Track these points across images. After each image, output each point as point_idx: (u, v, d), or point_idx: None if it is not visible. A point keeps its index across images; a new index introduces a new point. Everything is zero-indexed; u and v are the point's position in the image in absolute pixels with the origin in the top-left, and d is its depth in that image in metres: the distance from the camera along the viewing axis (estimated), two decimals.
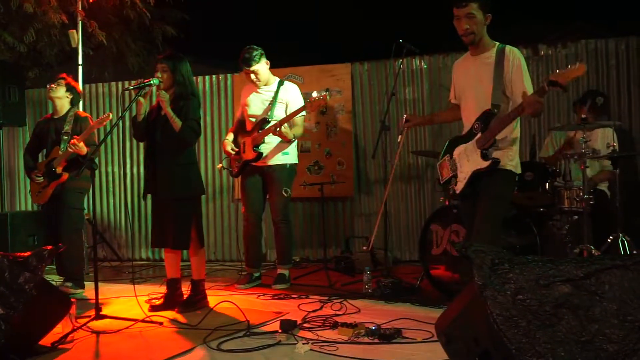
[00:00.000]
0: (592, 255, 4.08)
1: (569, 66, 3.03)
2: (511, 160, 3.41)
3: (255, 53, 4.87)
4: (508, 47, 3.41)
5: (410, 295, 4.38)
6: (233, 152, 5.02)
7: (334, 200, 6.47)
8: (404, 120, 3.89)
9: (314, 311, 3.99)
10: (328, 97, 4.71)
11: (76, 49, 6.35)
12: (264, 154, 4.90)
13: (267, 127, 4.85)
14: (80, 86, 5.31)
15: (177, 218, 4.06)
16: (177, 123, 4.02)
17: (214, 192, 6.87)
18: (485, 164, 3.33)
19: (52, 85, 4.95)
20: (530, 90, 3.30)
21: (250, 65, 4.88)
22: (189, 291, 4.25)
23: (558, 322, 2.00)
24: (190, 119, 4.07)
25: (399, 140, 4.08)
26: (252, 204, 5.05)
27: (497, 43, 3.46)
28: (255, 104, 5.03)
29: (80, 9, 6.59)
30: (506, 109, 3.35)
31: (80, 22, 6.51)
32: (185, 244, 4.13)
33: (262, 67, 4.93)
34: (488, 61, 3.42)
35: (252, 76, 4.93)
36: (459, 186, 3.48)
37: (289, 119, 4.81)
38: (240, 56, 4.92)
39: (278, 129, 4.74)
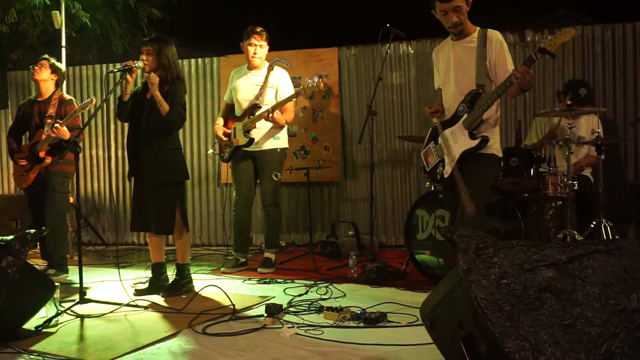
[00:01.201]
0: (575, 240, 4.13)
1: (557, 32, 3.03)
2: (494, 143, 3.44)
3: (266, 31, 4.93)
4: (489, 30, 3.43)
5: (395, 280, 4.41)
6: (225, 138, 5.00)
7: (320, 185, 6.47)
8: (430, 112, 3.72)
9: (299, 295, 4.00)
10: (322, 85, 4.71)
11: (59, 31, 6.26)
12: (256, 139, 4.89)
13: (258, 112, 4.84)
14: (63, 68, 5.23)
15: (161, 203, 4.04)
16: (164, 107, 3.98)
17: (200, 177, 6.84)
18: (475, 142, 3.35)
19: (37, 67, 4.88)
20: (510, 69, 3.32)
21: (262, 38, 4.91)
22: (174, 275, 4.24)
23: (541, 306, 2.02)
24: (176, 103, 4.04)
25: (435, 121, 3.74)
26: (244, 189, 5.05)
27: (478, 28, 3.47)
28: (245, 88, 5.01)
29: None
30: (490, 90, 3.36)
31: (63, 3, 6.40)
32: (169, 229, 4.11)
33: (266, 47, 4.99)
34: (470, 45, 3.43)
35: (257, 49, 4.92)
36: (448, 169, 3.48)
37: (282, 104, 4.80)
38: (251, 29, 4.91)
39: (271, 115, 4.73)
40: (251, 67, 5.02)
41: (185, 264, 4.21)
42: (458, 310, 2.17)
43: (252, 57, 4.95)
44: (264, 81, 4.95)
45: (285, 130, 5.06)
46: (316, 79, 4.67)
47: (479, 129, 3.38)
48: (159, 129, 4.03)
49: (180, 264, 4.21)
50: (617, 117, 5.71)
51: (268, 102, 4.90)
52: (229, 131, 5.01)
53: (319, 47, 6.57)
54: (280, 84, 4.97)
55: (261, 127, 4.91)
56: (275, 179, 4.96)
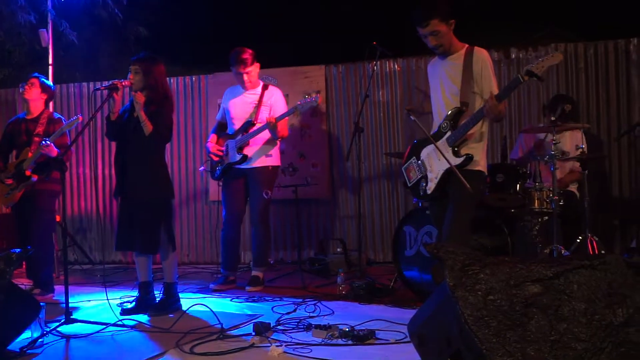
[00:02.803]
0: (561, 256, 4.15)
1: (546, 56, 3.09)
2: (480, 160, 3.47)
3: (250, 54, 4.91)
4: (476, 49, 3.49)
5: (383, 297, 4.40)
6: (220, 153, 5.01)
7: (308, 202, 6.47)
8: (405, 112, 3.82)
9: (287, 313, 3.98)
10: (320, 100, 4.74)
11: (47, 49, 6.25)
12: (249, 156, 4.90)
13: (252, 129, 4.86)
14: (53, 86, 5.22)
15: (146, 221, 4.02)
16: (147, 127, 3.98)
17: (188, 195, 6.82)
18: (459, 160, 3.38)
19: (27, 86, 4.86)
20: (496, 89, 3.39)
21: (247, 65, 4.90)
22: (161, 295, 4.21)
23: (528, 322, 2.03)
24: (160, 124, 4.04)
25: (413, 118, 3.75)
26: (234, 206, 5.04)
27: (467, 45, 3.52)
28: (240, 107, 5.03)
29: (50, 8, 6.49)
30: (475, 107, 3.41)
31: (51, 21, 6.41)
32: (153, 248, 4.08)
33: (255, 69, 4.98)
34: (457, 62, 3.49)
35: (246, 77, 4.93)
36: (431, 186, 3.51)
37: (284, 117, 4.82)
38: (235, 56, 4.92)
39: (274, 125, 4.76)
40: (246, 88, 5.04)
41: (172, 283, 4.19)
42: (446, 326, 2.18)
43: (246, 84, 4.98)
44: (258, 99, 4.97)
45: (277, 147, 5.07)
46: (314, 95, 4.71)
47: (463, 146, 3.42)
48: (145, 147, 4.02)
49: (167, 282, 4.18)
50: (601, 132, 5.78)
51: (262, 120, 4.92)
52: (222, 148, 5.02)
53: (306, 65, 6.61)
54: (274, 103, 5.00)
55: (254, 145, 4.93)
56: (265, 197, 4.96)
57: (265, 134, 4.90)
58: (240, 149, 4.91)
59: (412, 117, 3.70)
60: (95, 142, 6.91)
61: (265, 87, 5.05)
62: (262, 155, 4.96)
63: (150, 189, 4.04)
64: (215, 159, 5.05)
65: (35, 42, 7.31)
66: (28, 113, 4.92)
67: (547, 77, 5.89)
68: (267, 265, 5.25)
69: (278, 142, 5.05)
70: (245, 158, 4.89)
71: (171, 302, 4.14)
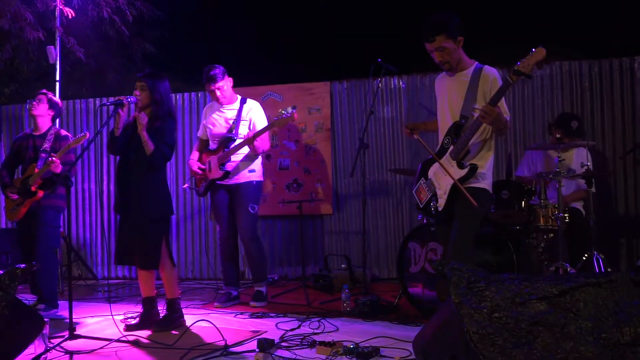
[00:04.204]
0: (567, 273, 4.13)
1: (530, 54, 3.09)
2: (485, 177, 3.46)
3: (218, 71, 4.94)
4: (485, 68, 3.48)
5: (388, 314, 4.38)
6: (200, 172, 5.02)
7: (312, 218, 6.47)
8: (408, 131, 3.79)
9: (292, 330, 3.96)
10: (295, 115, 4.69)
11: (54, 65, 6.31)
12: (231, 172, 4.92)
13: (232, 145, 4.88)
14: (60, 102, 5.26)
15: (146, 238, 4.03)
16: (149, 147, 4.00)
17: (192, 211, 6.83)
18: (463, 171, 3.37)
19: (34, 102, 4.90)
20: (506, 109, 3.39)
21: (216, 82, 4.93)
22: (164, 310, 4.20)
23: (534, 340, 2.02)
24: (163, 142, 4.06)
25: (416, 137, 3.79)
26: (225, 221, 5.05)
27: (476, 62, 3.52)
28: (219, 123, 5.05)
29: (59, 25, 6.56)
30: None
31: (58, 38, 6.47)
32: (154, 264, 4.08)
33: (226, 83, 5.00)
34: (464, 79, 3.49)
35: (218, 92, 4.96)
36: (441, 202, 3.49)
37: (260, 134, 4.82)
38: (203, 74, 4.97)
39: (251, 143, 4.78)
40: (222, 104, 5.07)
41: (174, 299, 4.18)
42: (451, 344, 2.17)
43: (220, 99, 5.01)
44: (237, 114, 5.00)
45: (259, 161, 5.07)
46: (289, 110, 4.69)
47: (467, 158, 3.42)
48: (146, 165, 4.04)
49: (169, 299, 4.17)
50: (607, 150, 5.77)
51: (241, 134, 4.94)
52: (204, 166, 5.03)
53: (311, 81, 6.64)
54: (253, 116, 5.03)
55: (236, 160, 4.94)
56: (252, 211, 4.96)
57: (246, 149, 4.91)
58: (222, 165, 4.92)
59: (415, 136, 3.70)
60: (100, 157, 6.94)
61: (243, 101, 5.08)
62: (244, 170, 4.97)
63: (151, 206, 4.05)
64: (197, 176, 5.07)
65: (43, 58, 7.38)
66: (35, 129, 4.95)
67: (550, 94, 5.90)
68: (267, 280, 5.22)
69: (260, 157, 5.07)
70: (227, 174, 4.91)
71: (175, 318, 4.13)
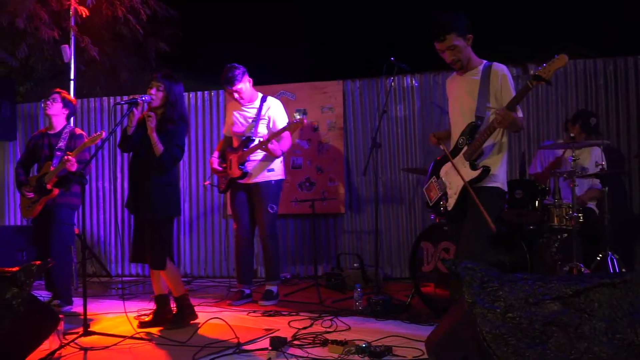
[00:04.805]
0: (581, 273, 4.10)
1: (552, 59, 3.08)
2: (498, 175, 3.44)
3: (237, 72, 4.90)
4: (494, 64, 3.48)
5: (400, 313, 4.37)
6: (220, 169, 5.04)
7: (325, 217, 6.47)
8: (435, 140, 3.76)
9: (304, 328, 3.97)
10: (304, 122, 4.72)
11: (68, 64, 6.36)
12: (250, 172, 4.93)
13: (251, 145, 4.89)
14: (75, 100, 5.30)
15: (154, 238, 4.05)
16: (158, 149, 4.02)
17: (205, 209, 6.85)
18: (476, 173, 3.36)
19: (48, 102, 4.94)
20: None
21: (233, 85, 4.91)
22: (175, 308, 4.22)
23: (547, 340, 2.01)
24: (174, 144, 4.07)
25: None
26: (242, 220, 5.06)
27: (484, 61, 3.52)
28: (240, 121, 5.07)
29: (73, 24, 6.61)
30: (489, 121, 3.40)
31: (73, 37, 6.53)
32: (162, 264, 4.08)
33: (244, 85, 4.97)
34: (474, 78, 3.48)
35: (236, 95, 4.97)
36: (451, 202, 3.49)
37: (274, 136, 4.83)
38: (222, 75, 4.95)
39: (265, 147, 4.79)
40: (242, 104, 5.07)
41: (181, 295, 4.18)
42: (463, 344, 2.16)
43: (239, 100, 5.02)
44: (256, 113, 5.00)
45: (279, 161, 5.07)
46: (298, 117, 4.71)
47: (480, 159, 3.40)
48: (156, 166, 4.05)
49: (176, 296, 4.18)
50: (622, 148, 5.72)
51: (261, 133, 4.95)
52: (225, 164, 5.05)
53: (324, 80, 6.64)
54: (272, 115, 5.02)
55: (255, 160, 4.95)
56: (271, 211, 4.97)
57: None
58: (241, 165, 4.94)
59: (441, 147, 3.68)
60: (114, 156, 6.99)
61: (263, 100, 5.08)
62: (263, 170, 4.98)
63: (160, 207, 4.06)
64: (218, 174, 5.09)
65: (57, 57, 7.44)
66: (50, 128, 5.00)
67: (565, 92, 5.86)
68: (280, 279, 5.23)
69: (281, 155, 5.05)
70: (245, 174, 4.92)
71: (186, 315, 4.14)
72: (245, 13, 11.94)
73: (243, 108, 5.07)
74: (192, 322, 4.12)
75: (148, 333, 3.83)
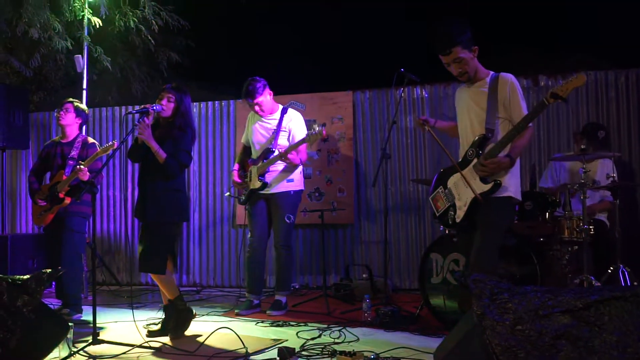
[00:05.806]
0: (592, 286, 4.07)
1: (570, 78, 3.08)
2: (509, 185, 3.42)
3: (258, 85, 4.94)
4: (501, 75, 3.48)
5: (409, 324, 4.35)
6: (240, 181, 5.10)
7: (334, 227, 6.47)
8: (421, 121, 3.76)
9: (312, 339, 3.96)
10: (324, 133, 4.78)
11: (81, 74, 6.43)
12: (269, 183, 4.96)
13: (271, 156, 4.93)
14: (87, 109, 5.36)
15: (156, 242, 4.06)
16: (160, 156, 4.04)
17: (215, 218, 6.87)
18: (487, 186, 3.35)
19: (61, 112, 4.99)
20: (525, 111, 3.39)
21: (254, 98, 4.96)
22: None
23: (557, 354, 2.00)
24: (181, 149, 4.11)
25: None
26: (258, 230, 5.09)
27: (491, 72, 3.52)
28: (260, 132, 5.12)
29: (86, 34, 6.68)
30: (499, 132, 3.40)
31: (86, 47, 6.60)
32: (159, 268, 4.06)
33: (265, 98, 5.02)
34: (482, 89, 3.49)
35: (256, 107, 5.01)
36: (460, 214, 3.48)
37: (294, 148, 4.88)
38: (243, 88, 4.99)
39: (284, 158, 4.84)
40: (262, 116, 5.11)
41: (175, 298, 4.14)
42: (472, 356, 2.15)
43: (259, 113, 5.06)
44: (277, 125, 5.03)
45: (299, 171, 5.11)
46: (317, 128, 4.75)
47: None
48: (162, 173, 4.08)
49: (172, 299, 4.14)
50: (633, 160, 5.69)
51: (280, 145, 4.97)
52: (245, 175, 5.09)
53: (334, 91, 6.66)
54: (292, 127, 5.06)
55: (274, 170, 4.99)
56: (287, 221, 4.98)
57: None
58: (261, 176, 4.97)
59: (427, 128, 3.68)
60: (125, 165, 7.03)
61: (284, 111, 5.11)
62: (283, 180, 5.01)
63: (169, 210, 4.08)
64: (238, 186, 5.14)
65: (70, 66, 7.52)
66: (63, 136, 5.05)
67: (575, 104, 5.85)
68: (290, 290, 5.24)
69: (301, 166, 5.09)
70: (265, 185, 4.95)
71: (184, 317, 4.11)
72: (256, 24, 12.00)
73: (263, 119, 5.11)
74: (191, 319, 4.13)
75: (157, 342, 3.84)
